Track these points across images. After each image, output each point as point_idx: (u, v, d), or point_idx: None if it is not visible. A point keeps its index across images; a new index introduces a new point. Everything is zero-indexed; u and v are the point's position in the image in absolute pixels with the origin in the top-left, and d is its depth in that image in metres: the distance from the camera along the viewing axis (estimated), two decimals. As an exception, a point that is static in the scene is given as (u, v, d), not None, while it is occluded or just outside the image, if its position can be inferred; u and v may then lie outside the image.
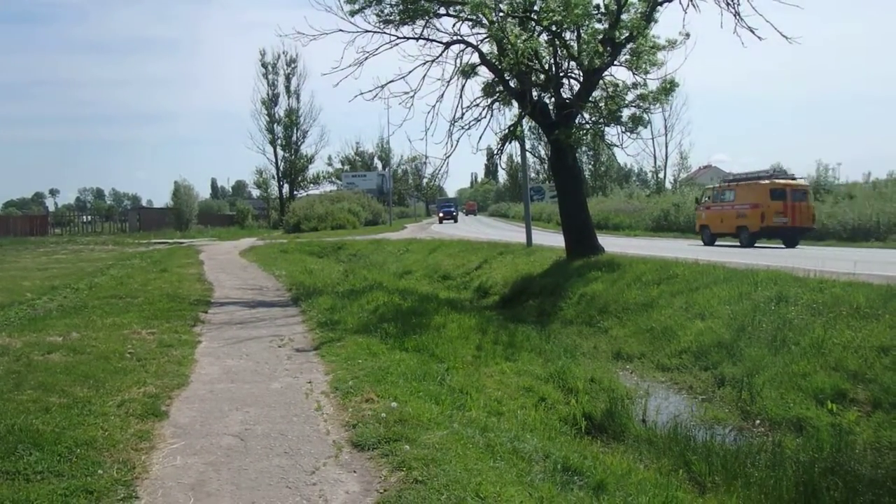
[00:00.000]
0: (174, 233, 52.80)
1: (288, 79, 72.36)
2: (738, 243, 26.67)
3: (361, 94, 18.81)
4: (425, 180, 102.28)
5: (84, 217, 67.10)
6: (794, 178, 27.86)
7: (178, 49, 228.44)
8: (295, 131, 73.00)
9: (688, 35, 17.73)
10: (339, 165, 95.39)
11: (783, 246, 25.67)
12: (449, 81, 18.70)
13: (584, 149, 53.70)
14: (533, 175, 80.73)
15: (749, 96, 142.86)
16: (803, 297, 11.04)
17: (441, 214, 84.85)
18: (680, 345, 11.22)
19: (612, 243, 22.82)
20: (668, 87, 18.25)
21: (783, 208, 25.53)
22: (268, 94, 71.81)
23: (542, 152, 72.00)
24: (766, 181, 26.67)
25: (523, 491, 4.88)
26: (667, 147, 73.29)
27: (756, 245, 26.24)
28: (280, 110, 72.44)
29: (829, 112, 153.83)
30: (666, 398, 9.73)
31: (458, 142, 18.85)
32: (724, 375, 9.82)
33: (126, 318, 11.51)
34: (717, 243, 27.94)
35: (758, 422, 8.47)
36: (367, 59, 18.28)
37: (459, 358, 9.69)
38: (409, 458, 5.32)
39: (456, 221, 78.97)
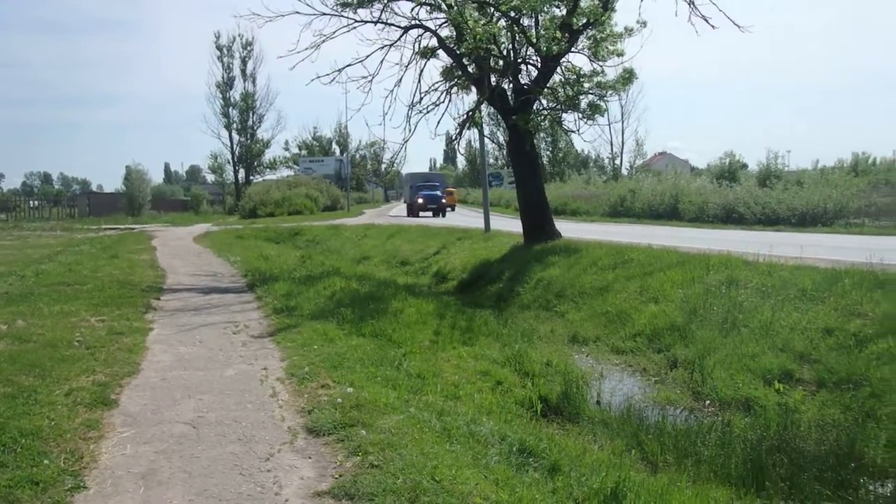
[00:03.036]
0: (126, 218, 51.82)
1: (244, 62, 71.51)
2: None
3: (318, 77, 18.54)
4: (384, 165, 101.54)
5: (31, 202, 65.45)
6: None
7: (132, 30, 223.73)
8: (251, 115, 72.23)
9: (644, 23, 17.85)
10: (296, 150, 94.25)
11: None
12: (407, 66, 18.56)
13: (542, 135, 53.92)
14: (491, 161, 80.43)
15: (703, 84, 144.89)
16: (753, 281, 11.24)
17: (420, 201, 50.62)
18: (634, 328, 11.35)
19: (571, 229, 22.98)
20: (627, 77, 18.39)
21: None
22: (223, 78, 70.93)
23: (501, 138, 72.00)
24: None
25: (479, 473, 4.89)
26: (623, 134, 74.05)
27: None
28: (236, 94, 71.62)
29: (780, 101, 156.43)
30: (620, 380, 9.84)
31: (416, 126, 18.67)
32: (677, 357, 9.96)
33: (74, 306, 11.27)
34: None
35: (708, 402, 8.62)
36: (324, 42, 18.01)
37: (417, 343, 9.70)
38: (365, 443, 5.29)
39: (443, 216, 48.85)
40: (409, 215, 50.38)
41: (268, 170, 79.03)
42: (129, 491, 4.69)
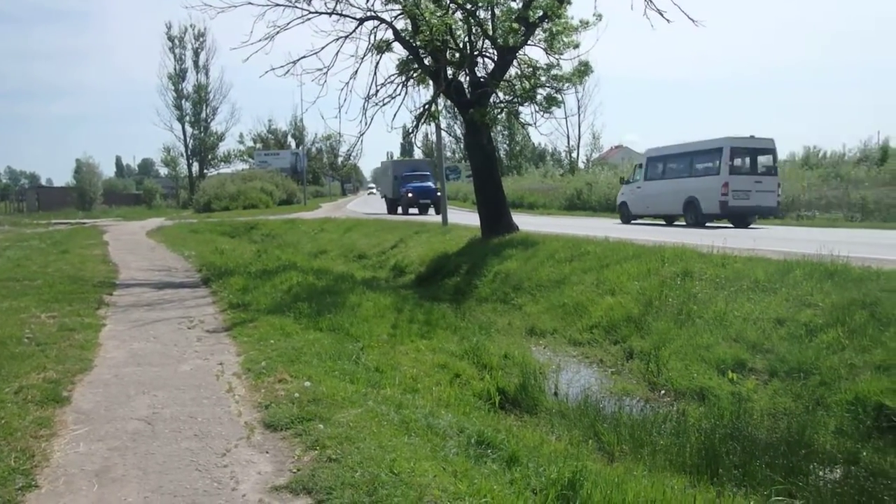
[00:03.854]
0: (76, 213, 50.93)
1: (196, 53, 70.55)
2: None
3: (273, 69, 18.36)
4: (340, 159, 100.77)
5: (-23, 197, 63.86)
6: None
7: (82, 21, 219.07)
8: (204, 108, 71.27)
9: (600, 16, 17.96)
10: (251, 143, 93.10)
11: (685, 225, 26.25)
12: (363, 58, 18.42)
13: (499, 128, 54.07)
14: (449, 154, 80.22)
15: (660, 78, 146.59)
16: (707, 273, 11.41)
17: (410, 195, 42.06)
18: (591, 320, 11.44)
19: (528, 222, 23.08)
20: (583, 70, 18.49)
21: None
22: (175, 69, 69.87)
23: (458, 131, 72.04)
24: None
25: (437, 465, 4.89)
26: (580, 127, 74.45)
27: (674, 224, 26.72)
28: (188, 86, 70.64)
29: (735, 95, 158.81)
30: (577, 371, 9.93)
31: (372, 119, 18.55)
32: (633, 349, 10.08)
33: (24, 302, 11.02)
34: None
35: (663, 392, 8.74)
36: (278, 33, 17.78)
37: (375, 337, 9.67)
38: (322, 437, 5.27)
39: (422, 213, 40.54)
40: (390, 212, 42.25)
41: (222, 163, 78.22)
42: (82, 489, 4.61)
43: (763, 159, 25.07)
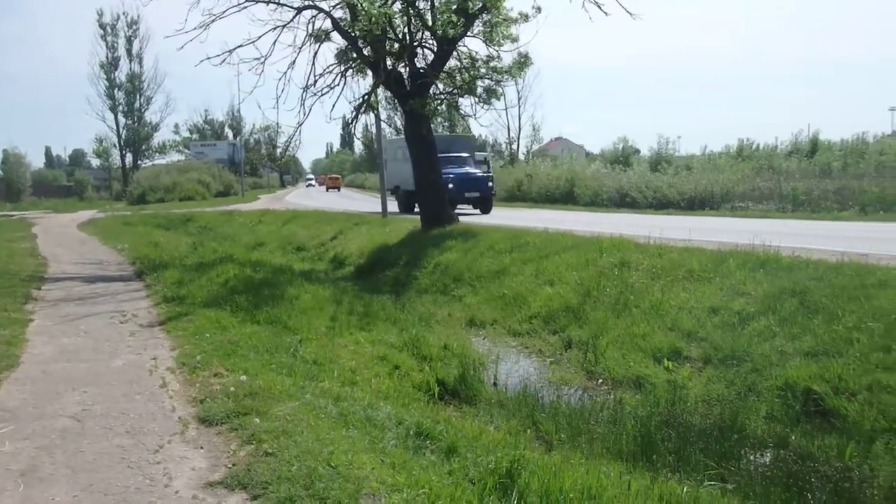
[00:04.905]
0: (4, 205, 49.29)
1: (129, 41, 68.65)
2: None
3: (208, 58, 18.04)
4: (279, 150, 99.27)
5: None
6: None
7: (8, 6, 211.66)
8: (138, 97, 69.52)
9: (539, 9, 18.04)
10: (187, 134, 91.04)
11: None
12: (301, 48, 18.20)
13: (439, 119, 53.88)
14: (389, 145, 79.84)
15: (599, 70, 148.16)
16: (644, 263, 11.59)
17: (451, 186, 25.42)
18: (530, 310, 11.52)
19: (468, 213, 23.15)
20: (522, 62, 18.58)
21: None
22: (107, 58, 67.89)
23: (399, 122, 71.67)
24: None
25: (376, 458, 4.87)
26: (520, 119, 74.55)
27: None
28: (121, 75, 68.70)
29: (672, 88, 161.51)
30: (517, 362, 10.00)
31: (310, 110, 18.37)
32: (572, 338, 10.19)
33: (-53, 297, 10.64)
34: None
35: (601, 381, 8.86)
36: (213, 22, 17.44)
37: (313, 329, 9.58)
38: (259, 431, 5.19)
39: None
40: (404, 211, 29.06)
41: (157, 154, 76.42)
42: (7, 489, 4.45)
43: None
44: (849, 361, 7.35)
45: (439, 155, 24.62)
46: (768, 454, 6.54)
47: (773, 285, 9.56)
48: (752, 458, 6.47)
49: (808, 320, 8.40)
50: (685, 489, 5.17)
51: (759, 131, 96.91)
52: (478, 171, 29.60)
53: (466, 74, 18.83)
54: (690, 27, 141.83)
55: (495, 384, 8.91)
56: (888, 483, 5.75)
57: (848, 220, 19.49)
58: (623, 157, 42.34)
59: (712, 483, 5.70)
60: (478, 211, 28.19)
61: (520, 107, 71.81)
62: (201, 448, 5.09)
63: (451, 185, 25.35)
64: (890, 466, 6.03)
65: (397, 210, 29.48)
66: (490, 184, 28.65)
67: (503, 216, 25.08)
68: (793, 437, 6.69)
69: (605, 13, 17.00)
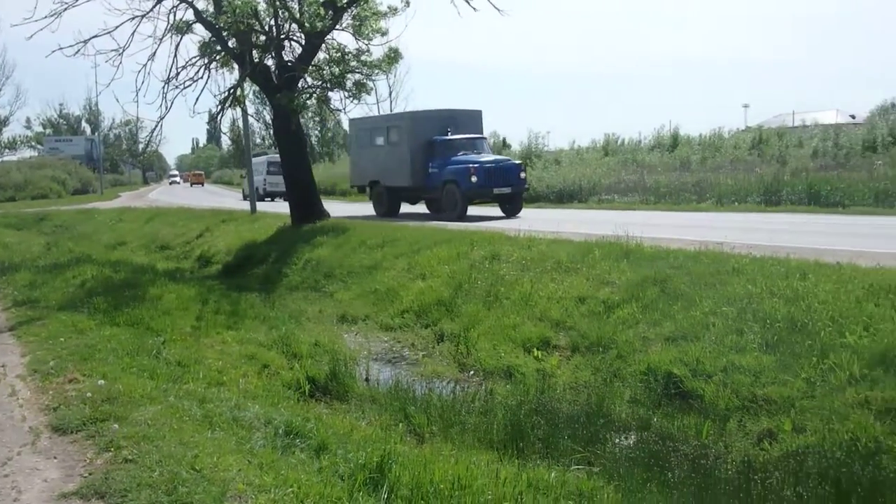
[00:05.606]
0: None
1: (-29, 29, 64.29)
2: None
3: (61, 48, 17.13)
4: (140, 145, 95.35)
5: None
6: None
7: None
8: (-17, 89, 65.27)
9: (408, 3, 18.10)
10: (40, 129, 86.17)
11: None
12: (162, 39, 17.55)
13: (310, 114, 52.95)
14: (258, 141, 77.75)
15: (470, 65, 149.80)
16: (514, 255, 11.80)
17: (474, 179, 19.89)
18: (403, 305, 11.52)
19: (341, 209, 22.98)
20: (392, 57, 18.61)
21: None
22: (-52, 47, 63.38)
23: (267, 117, 70.19)
24: None
25: (243, 459, 4.74)
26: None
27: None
28: (-36, 66, 64.32)
29: (543, 84, 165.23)
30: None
31: (172, 103, 17.77)
32: (444, 331, 10.25)
33: None
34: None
35: (473, 372, 8.95)
36: (66, 10, 16.60)
37: (178, 330, 9.27)
38: (118, 438, 4.97)
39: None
40: (387, 214, 22.76)
41: (7, 150, 72.20)
42: None
43: None
44: (706, 345, 7.71)
45: (440, 138, 21.00)
46: (632, 436, 6.77)
47: (637, 274, 9.91)
48: (616, 441, 6.68)
49: (668, 307, 8.76)
50: (553, 474, 5.29)
51: (625, 128, 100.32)
52: (508, 159, 22.92)
53: (336, 68, 18.67)
54: (560, 25, 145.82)
55: (367, 380, 8.86)
56: (740, 458, 6.06)
57: (706, 211, 20.48)
58: (495, 152, 42.85)
59: (579, 467, 5.85)
60: (500, 213, 20.84)
61: (391, 102, 71.70)
62: (54, 458, 4.83)
63: (474, 178, 19.70)
64: (742, 442, 6.37)
65: (374, 213, 23.10)
66: (523, 175, 21.02)
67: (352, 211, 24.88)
68: (654, 420, 6.95)
69: (474, 9, 17.27)
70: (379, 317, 11.56)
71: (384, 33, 18.32)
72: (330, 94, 19.61)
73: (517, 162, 22.12)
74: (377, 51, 18.58)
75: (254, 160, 41.77)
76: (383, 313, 11.59)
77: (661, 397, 7.34)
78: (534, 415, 7.00)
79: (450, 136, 21.46)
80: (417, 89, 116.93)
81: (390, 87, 69.16)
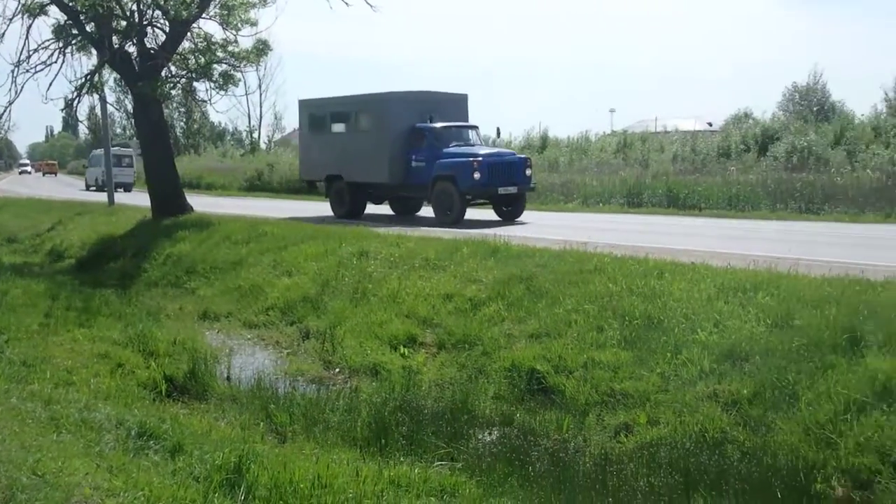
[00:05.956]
0: None
1: None
2: None
3: None
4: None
5: None
6: None
7: None
8: None
9: (279, -8, 17.76)
10: None
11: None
12: (11, 20, 16.60)
13: (175, 104, 51.18)
14: (119, 130, 74.45)
15: (345, 59, 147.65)
16: (383, 252, 11.81)
17: (477, 176, 16.25)
18: (268, 301, 11.33)
19: (206, 203, 22.27)
20: (262, 49, 18.30)
21: None
22: None
23: (129, 106, 67.31)
24: None
25: (90, 462, 4.48)
26: (262, 106, 73.08)
27: None
28: None
29: (418, 81, 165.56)
30: (252, 354, 9.77)
31: (22, 88, 16.81)
32: (310, 329, 10.14)
33: None
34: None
35: (338, 370, 8.88)
36: None
37: (24, 328, 8.79)
38: (-50, 443, 4.59)
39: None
40: (346, 216, 18.88)
41: None
42: None
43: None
44: (567, 341, 7.95)
45: (426, 125, 17.54)
46: (495, 432, 6.88)
47: (503, 272, 10.09)
48: (480, 436, 6.77)
49: (533, 304, 8.97)
50: (416, 471, 5.28)
51: (492, 128, 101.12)
52: (512, 152, 19.69)
53: (202, 58, 18.12)
54: (434, 22, 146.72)
55: (228, 378, 8.61)
56: (598, 451, 6.26)
57: (572, 212, 20.99)
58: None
59: (443, 463, 5.87)
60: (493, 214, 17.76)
61: (261, 94, 70.25)
62: None
63: (477, 175, 16.18)
64: (600, 436, 6.59)
65: (332, 213, 19.32)
66: (529, 171, 17.60)
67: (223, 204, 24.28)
68: (517, 415, 7.09)
69: (347, 4, 17.19)
70: (243, 314, 11.31)
71: (253, 24, 17.98)
72: (196, 84, 19.05)
73: (523, 156, 18.80)
74: (246, 41, 18.18)
75: (94, 152, 38.78)
76: (247, 310, 11.34)
77: (525, 393, 7.50)
78: (399, 412, 6.98)
79: (440, 124, 17.82)
80: (290, 82, 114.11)
81: (260, 80, 67.83)
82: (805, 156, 21.91)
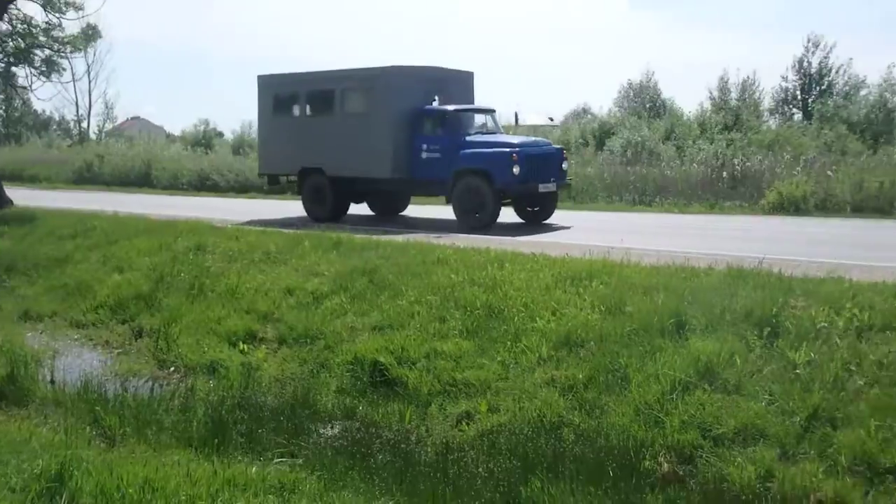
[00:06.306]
0: None
1: None
2: None
3: None
4: None
5: None
6: None
7: None
8: None
9: (105, -25, 16.86)
10: None
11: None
12: None
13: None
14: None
15: (182, 50, 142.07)
16: (221, 246, 11.53)
17: (514, 169, 13.34)
18: (97, 300, 10.75)
19: (28, 196, 20.83)
20: (90, 34, 17.33)
21: None
22: None
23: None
24: None
25: None
26: (91, 95, 69.21)
27: None
28: None
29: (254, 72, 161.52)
30: (79, 355, 9.23)
31: None
32: (143, 327, 9.73)
33: None
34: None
35: (174, 369, 8.56)
36: None
37: None
38: None
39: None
40: (324, 219, 15.08)
41: None
42: None
43: None
44: (410, 333, 8.01)
45: (438, 108, 14.70)
46: (337, 426, 6.82)
47: (346, 265, 10.06)
48: (321, 431, 6.70)
49: (376, 297, 8.99)
50: (253, 469, 5.15)
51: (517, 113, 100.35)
52: (547, 141, 16.31)
53: (21, 41, 16.94)
54: (274, 15, 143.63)
55: (52, 381, 8.06)
56: (440, 440, 6.34)
57: (422, 204, 21.01)
58: (205, 140, 41.45)
59: (282, 459, 5.76)
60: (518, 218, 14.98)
61: (90, 82, 66.64)
62: None
63: (516, 169, 13.37)
64: (442, 425, 6.67)
65: (293, 216, 16.44)
66: (565, 165, 14.95)
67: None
68: (360, 408, 7.08)
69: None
70: (69, 313, 10.67)
71: (79, 7, 16.98)
72: (14, 69, 17.78)
73: (559, 146, 15.74)
74: (73, 26, 17.15)
75: None
76: (74, 309, 10.72)
77: (368, 386, 7.48)
78: (237, 410, 6.82)
79: (453, 107, 14.81)
80: (121, 69, 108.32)
81: (89, 66, 64.22)
82: (639, 150, 23.04)
